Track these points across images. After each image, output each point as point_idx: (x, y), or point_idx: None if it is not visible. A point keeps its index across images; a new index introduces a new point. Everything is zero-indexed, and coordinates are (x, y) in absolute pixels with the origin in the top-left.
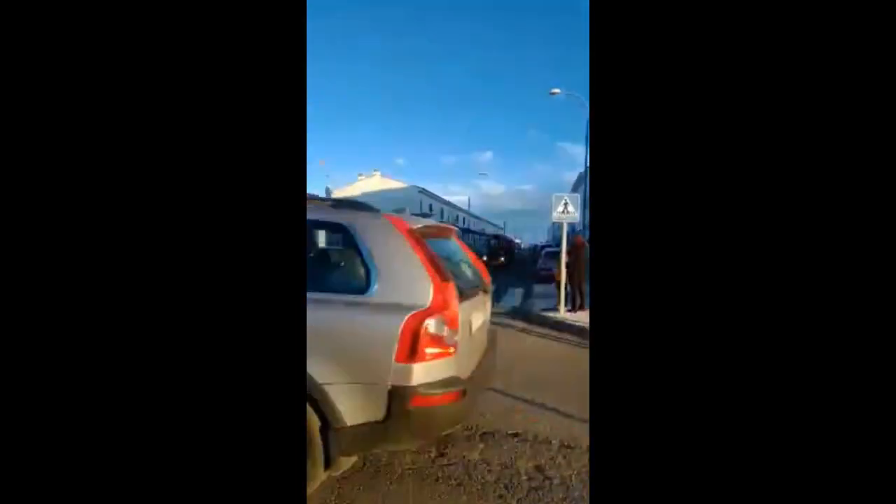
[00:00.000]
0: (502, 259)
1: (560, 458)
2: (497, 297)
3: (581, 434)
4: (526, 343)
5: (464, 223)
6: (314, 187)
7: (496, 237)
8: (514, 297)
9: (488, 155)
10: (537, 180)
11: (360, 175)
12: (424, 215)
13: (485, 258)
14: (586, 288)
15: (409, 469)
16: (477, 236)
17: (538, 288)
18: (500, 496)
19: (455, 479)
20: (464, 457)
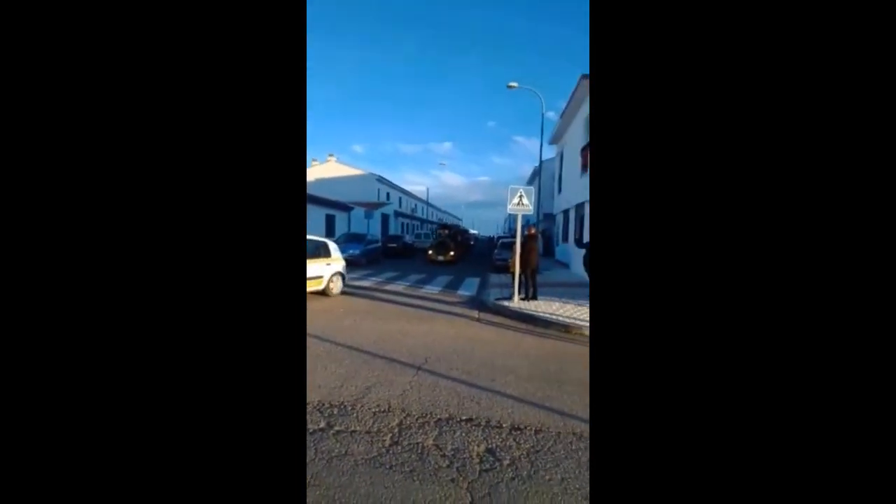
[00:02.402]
0: (451, 253)
1: (511, 441)
2: (454, 287)
3: (529, 416)
4: (480, 332)
5: (423, 213)
6: None
7: (445, 226)
8: (472, 286)
9: (448, 146)
10: (495, 173)
11: (314, 160)
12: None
13: (430, 252)
14: (538, 277)
15: (363, 459)
16: (436, 227)
17: (494, 278)
18: (452, 480)
19: (408, 466)
20: (418, 443)
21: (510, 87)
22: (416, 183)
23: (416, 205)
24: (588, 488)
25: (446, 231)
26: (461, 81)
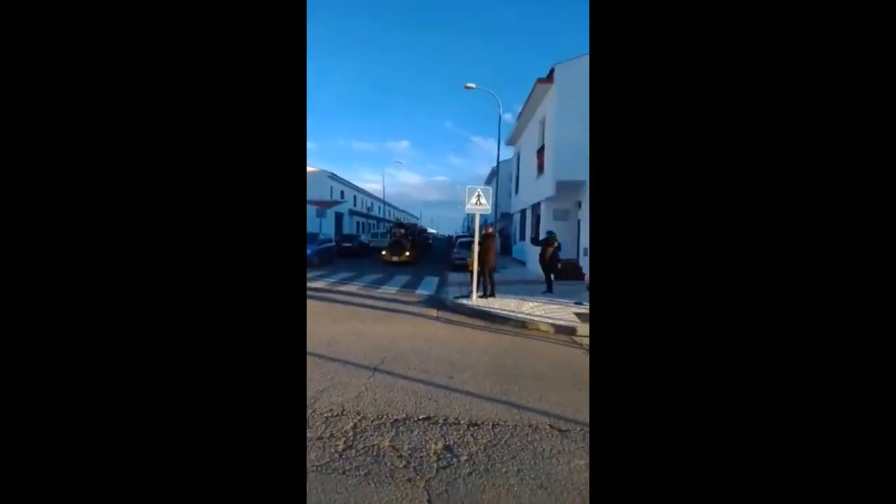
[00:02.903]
0: (407, 254)
1: (468, 436)
2: (413, 286)
3: (487, 411)
4: (439, 330)
5: (379, 212)
6: None
7: (400, 225)
8: (430, 286)
9: (404, 144)
10: (452, 172)
11: None
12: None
13: (384, 252)
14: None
15: (313, 466)
16: (391, 226)
17: (453, 276)
18: (409, 479)
19: (363, 470)
20: (373, 446)
21: (468, 87)
22: (372, 181)
23: (372, 203)
24: (543, 478)
25: (402, 230)
26: (418, 80)
